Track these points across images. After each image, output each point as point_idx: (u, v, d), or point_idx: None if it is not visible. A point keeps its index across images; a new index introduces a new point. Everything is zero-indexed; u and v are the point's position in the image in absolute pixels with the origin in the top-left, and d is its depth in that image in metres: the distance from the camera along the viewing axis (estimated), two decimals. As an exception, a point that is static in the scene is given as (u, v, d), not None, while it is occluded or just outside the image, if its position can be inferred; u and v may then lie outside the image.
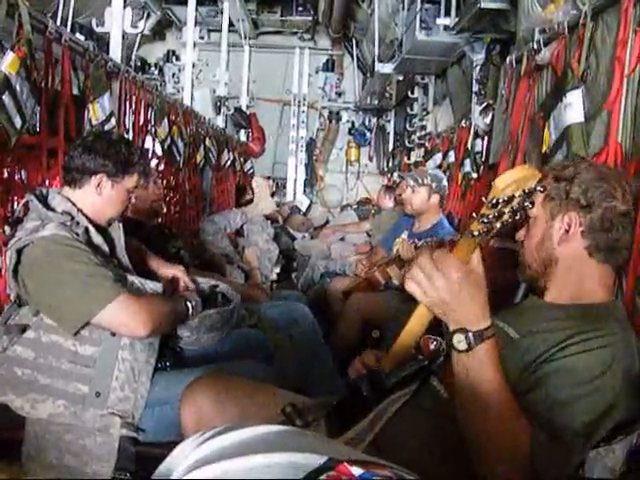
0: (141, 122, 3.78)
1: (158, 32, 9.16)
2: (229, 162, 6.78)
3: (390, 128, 9.31)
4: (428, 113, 6.86)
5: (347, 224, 6.66)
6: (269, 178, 8.76)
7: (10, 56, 2.13)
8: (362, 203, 8.72)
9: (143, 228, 3.05)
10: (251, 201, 6.05)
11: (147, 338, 2.07)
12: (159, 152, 4.32)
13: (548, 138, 2.53)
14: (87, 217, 2.14)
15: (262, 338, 2.71)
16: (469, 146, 4.44)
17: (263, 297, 3.44)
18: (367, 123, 10.36)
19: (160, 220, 4.06)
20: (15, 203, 2.38)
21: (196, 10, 6.72)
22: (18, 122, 2.21)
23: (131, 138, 3.52)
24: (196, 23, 6.83)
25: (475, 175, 4.33)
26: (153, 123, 4.05)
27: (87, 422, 1.98)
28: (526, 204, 1.10)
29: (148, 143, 4.05)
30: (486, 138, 4.07)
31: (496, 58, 4.28)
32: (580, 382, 1.27)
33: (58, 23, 2.79)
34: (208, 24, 8.74)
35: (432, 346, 1.48)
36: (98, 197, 2.19)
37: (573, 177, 1.51)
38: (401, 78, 6.90)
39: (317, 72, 10.30)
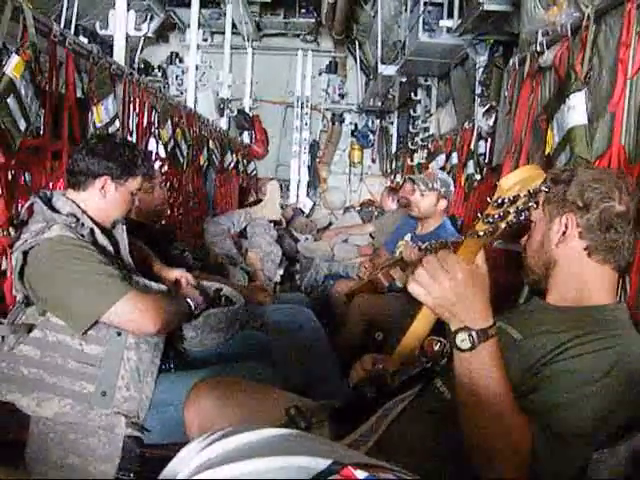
0: (145, 124, 3.79)
1: (161, 35, 9.18)
2: (232, 164, 6.79)
3: (393, 130, 9.30)
4: (431, 115, 6.85)
5: (350, 226, 6.66)
6: (272, 179, 8.77)
7: (15, 59, 2.13)
8: (365, 205, 8.72)
9: (146, 230, 3.05)
10: (259, 201, 6.05)
11: (155, 336, 2.08)
12: (162, 154, 4.33)
13: (551, 140, 2.53)
14: (91, 219, 2.15)
15: (266, 340, 2.71)
16: (472, 148, 4.44)
17: (267, 299, 3.44)
18: (370, 125, 10.37)
19: (164, 222, 4.07)
20: (19, 205, 2.38)
21: (199, 12, 6.72)
22: (22, 125, 2.21)
23: (135, 140, 3.53)
24: (199, 25, 6.84)
25: (478, 177, 4.33)
26: (157, 125, 4.06)
27: (92, 421, 1.99)
28: (531, 204, 1.10)
29: (152, 145, 4.06)
30: (489, 140, 4.07)
31: (499, 60, 4.27)
32: (582, 384, 1.27)
33: (62, 26, 2.79)
34: (211, 26, 8.76)
35: (436, 348, 1.48)
36: (102, 199, 2.20)
37: (570, 179, 1.53)
38: (404, 80, 6.89)
39: (320, 74, 10.31)
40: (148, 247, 2.68)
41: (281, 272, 5.41)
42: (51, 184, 2.59)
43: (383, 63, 6.65)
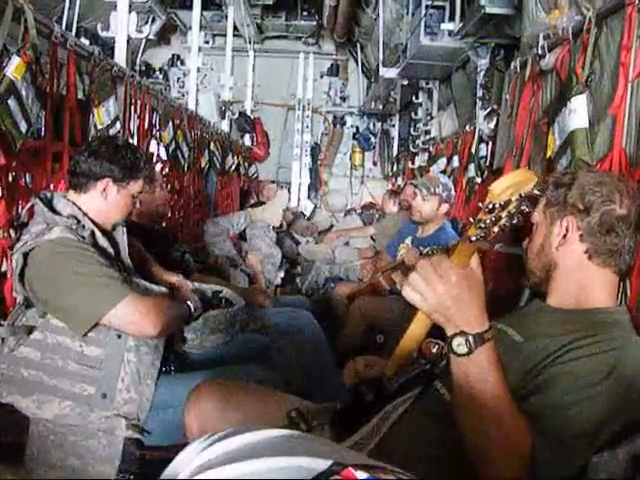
0: (146, 126, 3.79)
1: (163, 37, 9.17)
2: (233, 166, 6.79)
3: (394, 133, 9.29)
4: (432, 118, 6.85)
5: (351, 228, 6.66)
6: (273, 182, 8.76)
7: (16, 61, 2.14)
8: (366, 208, 8.72)
9: (147, 232, 3.05)
10: (260, 204, 6.05)
11: (155, 338, 2.08)
12: (164, 156, 4.34)
13: (552, 143, 2.53)
14: (92, 221, 2.15)
15: (266, 343, 2.71)
16: (473, 151, 4.43)
17: (267, 302, 3.44)
18: (371, 128, 10.35)
19: (164, 224, 4.07)
20: (20, 207, 2.39)
21: (201, 15, 6.72)
22: (23, 126, 2.21)
23: (136, 142, 3.53)
24: (201, 28, 6.85)
25: (479, 180, 4.32)
26: (158, 127, 4.06)
27: (92, 423, 1.99)
28: (523, 208, 1.10)
29: (153, 147, 4.06)
30: (490, 143, 4.06)
31: (500, 63, 4.27)
32: (583, 386, 1.27)
33: (63, 28, 2.79)
34: (213, 29, 8.76)
35: (434, 350, 1.48)
36: (103, 202, 2.20)
37: (571, 182, 1.53)
38: (405, 83, 6.89)
39: (321, 77, 10.30)
40: (148, 249, 2.67)
41: (282, 275, 5.41)
42: (52, 186, 2.59)
43: (384, 66, 6.65)
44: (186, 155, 4.75)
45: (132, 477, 2.02)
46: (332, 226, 8.39)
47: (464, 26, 4.39)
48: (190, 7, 6.55)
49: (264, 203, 6.35)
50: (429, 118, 6.97)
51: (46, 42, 2.47)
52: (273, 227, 5.61)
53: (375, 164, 10.50)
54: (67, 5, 5.08)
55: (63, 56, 2.62)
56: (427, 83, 6.74)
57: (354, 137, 10.49)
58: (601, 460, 1.30)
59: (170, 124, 4.30)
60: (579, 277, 1.53)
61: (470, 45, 4.65)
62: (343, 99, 10.29)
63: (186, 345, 2.39)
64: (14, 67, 2.13)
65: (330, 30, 9.18)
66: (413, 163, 7.42)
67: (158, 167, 4.18)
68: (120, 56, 3.92)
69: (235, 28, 7.86)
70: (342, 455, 0.65)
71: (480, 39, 4.50)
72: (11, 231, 2.22)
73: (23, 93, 2.19)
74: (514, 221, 1.11)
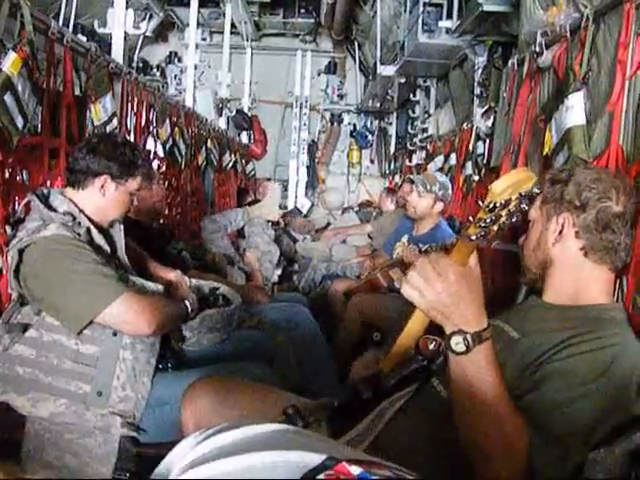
0: (143, 123, 3.78)
1: (160, 34, 9.18)
2: (231, 164, 6.78)
3: (392, 131, 9.29)
4: (430, 116, 6.85)
5: (348, 227, 6.66)
6: (268, 180, 8.76)
7: (12, 56, 2.13)
8: (363, 205, 8.73)
9: (144, 229, 3.05)
10: (255, 202, 6.07)
11: (150, 337, 2.07)
12: (161, 153, 4.33)
13: (550, 140, 2.53)
14: (89, 218, 2.14)
15: (263, 339, 2.71)
16: (471, 149, 4.43)
17: (264, 299, 3.44)
18: (369, 125, 10.36)
19: (161, 221, 4.06)
20: (16, 203, 2.38)
21: (198, 12, 6.72)
22: (20, 122, 2.21)
23: (133, 139, 3.52)
24: (198, 25, 6.85)
25: (477, 178, 4.32)
26: (155, 124, 4.06)
27: (88, 421, 1.98)
28: (523, 206, 1.10)
29: (150, 144, 4.05)
30: (488, 141, 4.07)
31: (498, 61, 4.27)
32: (579, 384, 1.27)
33: (60, 24, 2.79)
34: (210, 26, 8.77)
35: (431, 346, 1.48)
36: (101, 199, 2.19)
37: (568, 179, 1.53)
38: (403, 81, 6.90)
39: (319, 74, 10.31)
40: (144, 246, 2.67)
41: (279, 272, 5.40)
42: (49, 182, 2.58)
43: (382, 64, 6.65)
44: (183, 152, 4.74)
45: (128, 475, 2.01)
46: (329, 224, 8.37)
47: (462, 24, 4.40)
48: (187, 4, 6.54)
49: (260, 201, 6.36)
50: (426, 116, 6.97)
51: (43, 38, 2.46)
52: (272, 223, 5.61)
53: (372, 162, 10.51)
54: (64, 1, 5.06)
55: (60, 52, 2.62)
56: (425, 81, 6.75)
57: (351, 135, 10.50)
58: (598, 457, 1.30)
59: (167, 121, 4.29)
60: (575, 274, 1.52)
61: (468, 43, 4.66)
62: (341, 97, 10.30)
63: (183, 342, 2.39)
64: (10, 62, 2.12)
65: (328, 28, 9.19)
66: (410, 161, 7.43)
67: (155, 164, 4.18)
68: (117, 53, 3.92)
69: (233, 25, 7.85)
70: (336, 450, 0.65)
71: (478, 37, 4.51)
72: (7, 227, 2.21)
73: (19, 89, 2.19)
74: (514, 220, 1.11)
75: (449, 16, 4.76)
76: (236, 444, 0.66)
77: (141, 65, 8.52)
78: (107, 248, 2.18)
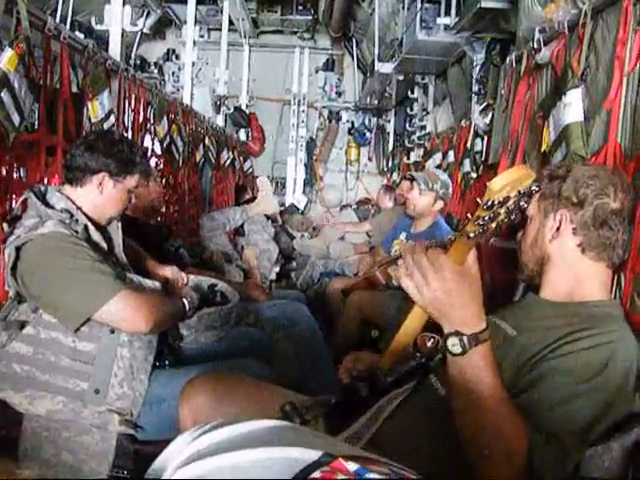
0: (140, 120, 3.78)
1: (158, 31, 9.17)
2: (228, 161, 6.78)
3: (390, 128, 9.28)
4: (428, 113, 6.86)
5: (347, 223, 6.67)
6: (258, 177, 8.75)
7: (8, 53, 2.12)
8: (362, 203, 8.72)
9: (141, 226, 3.04)
10: (253, 199, 6.06)
11: (147, 334, 2.07)
12: (158, 151, 4.32)
13: (547, 137, 2.53)
14: (86, 215, 2.14)
15: (261, 336, 2.71)
16: (469, 146, 4.43)
17: (262, 296, 3.43)
18: (367, 123, 10.35)
19: (159, 218, 4.06)
20: (13, 201, 2.37)
21: (196, 9, 6.71)
22: (16, 119, 2.20)
23: (130, 136, 3.51)
24: (196, 22, 6.82)
25: (475, 175, 4.32)
26: (152, 121, 4.05)
27: (85, 419, 1.98)
28: (521, 204, 1.09)
29: (147, 142, 4.05)
30: (486, 138, 4.07)
31: (496, 58, 4.27)
32: (576, 381, 1.27)
33: (57, 20, 2.78)
34: (208, 23, 8.75)
35: (429, 344, 1.48)
36: (99, 196, 2.18)
37: (566, 175, 1.53)
38: (401, 78, 6.89)
39: (317, 72, 10.29)
40: (141, 244, 2.66)
41: (277, 270, 5.40)
42: (46, 179, 2.58)
43: (380, 61, 6.65)
44: (181, 150, 4.73)
45: (126, 472, 2.01)
46: (327, 221, 8.39)
47: (460, 20, 4.40)
48: (185, 1, 6.52)
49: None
50: (425, 113, 6.97)
51: (40, 35, 2.45)
52: (271, 220, 5.60)
53: (370, 159, 10.50)
54: (61, -2, 5.07)
55: (57, 49, 2.61)
56: (423, 78, 6.75)
57: (349, 132, 10.48)
58: (595, 454, 1.30)
59: (165, 118, 4.28)
60: (572, 270, 1.52)
61: (466, 40, 4.66)
62: (339, 94, 10.28)
63: (180, 341, 2.38)
64: (7, 59, 2.12)
65: (326, 25, 9.18)
66: (408, 158, 7.43)
67: (153, 162, 4.17)
68: (114, 50, 3.91)
69: (230, 22, 7.84)
70: (333, 446, 0.65)
71: (476, 34, 4.51)
72: (4, 225, 2.21)
73: (16, 86, 2.18)
74: (512, 217, 1.10)
75: (447, 13, 4.77)
76: (232, 440, 0.66)
77: (138, 62, 8.52)
78: (104, 245, 2.17)
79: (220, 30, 7.84)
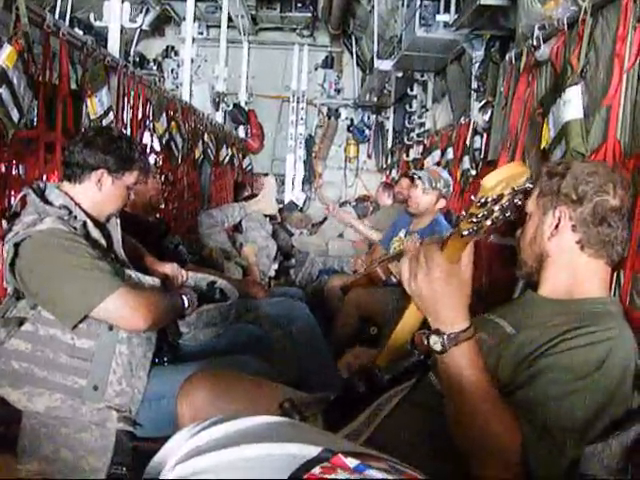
0: (139, 117, 3.77)
1: (157, 27, 9.14)
2: (227, 158, 6.77)
3: (389, 125, 9.26)
4: (427, 110, 6.85)
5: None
6: (266, 175, 8.75)
7: (7, 49, 2.12)
8: (360, 200, 8.71)
9: (140, 223, 3.04)
10: (252, 196, 6.06)
11: (145, 332, 2.07)
12: (157, 147, 4.32)
13: (547, 134, 2.52)
14: (85, 212, 2.14)
15: (260, 334, 2.71)
16: (468, 143, 4.43)
17: (261, 293, 3.44)
18: (366, 120, 10.33)
19: (158, 215, 4.05)
20: (12, 197, 2.37)
21: (195, 6, 6.70)
22: (15, 116, 2.20)
23: (129, 133, 3.51)
24: (195, 19, 6.82)
25: (474, 172, 4.32)
26: (151, 118, 4.04)
27: (84, 416, 1.98)
28: (516, 201, 1.08)
29: (146, 138, 4.04)
30: (485, 135, 4.06)
31: (495, 55, 4.27)
32: (574, 378, 1.27)
33: (57, 17, 2.77)
34: (207, 20, 8.73)
35: (425, 341, 1.48)
36: (98, 193, 2.18)
37: (565, 172, 1.53)
38: (400, 75, 6.88)
39: (316, 69, 10.27)
40: (140, 240, 2.66)
41: (276, 267, 5.40)
42: (45, 176, 2.57)
43: (379, 58, 6.64)
44: (180, 147, 4.72)
45: (125, 469, 2.01)
46: (326, 218, 8.38)
47: (459, 18, 4.39)
48: (184, -2, 6.52)
49: (257, 195, 6.35)
50: (424, 110, 6.96)
51: (38, 31, 2.45)
52: (269, 218, 5.60)
53: (369, 156, 10.48)
54: (60, -5, 5.06)
55: (56, 45, 2.60)
56: (422, 75, 6.74)
57: (348, 129, 10.47)
58: (594, 451, 1.30)
59: (164, 115, 4.27)
60: (571, 268, 1.52)
61: (465, 37, 4.66)
62: (338, 91, 10.26)
63: (179, 337, 2.38)
64: (5, 55, 2.11)
65: (325, 22, 9.17)
66: (407, 155, 7.42)
67: (152, 158, 4.17)
68: (113, 46, 3.90)
69: (230, 19, 7.82)
70: (332, 442, 0.65)
71: (475, 31, 4.51)
72: (3, 221, 2.21)
73: (15, 82, 2.17)
74: (507, 215, 1.09)
75: (446, 10, 4.76)
76: (231, 436, 0.66)
77: (138, 59, 8.49)
78: (103, 242, 2.17)
79: (219, 27, 7.82)
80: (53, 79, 2.62)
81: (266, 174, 8.10)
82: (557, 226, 1.53)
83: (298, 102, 9.93)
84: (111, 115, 3.08)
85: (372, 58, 7.04)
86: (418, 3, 4.91)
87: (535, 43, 2.79)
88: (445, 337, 1.18)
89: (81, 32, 4.28)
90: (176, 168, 4.95)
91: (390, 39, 6.62)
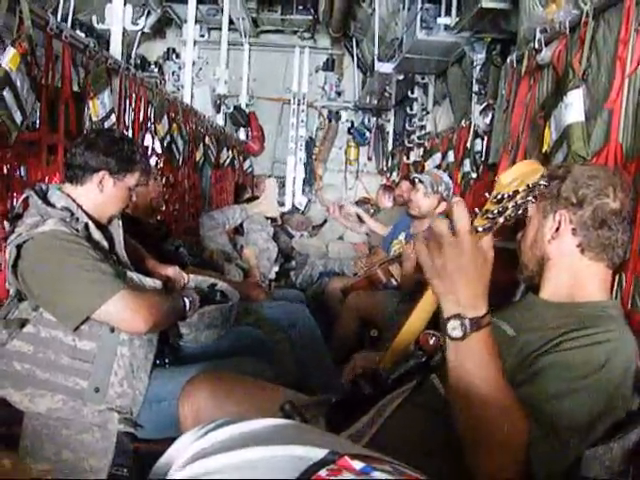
0: (141, 119, 3.77)
1: (158, 30, 9.15)
2: (228, 160, 6.77)
3: (389, 128, 9.26)
4: (428, 113, 6.85)
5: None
6: (269, 177, 8.75)
7: (11, 52, 2.12)
8: (361, 202, 8.71)
9: (141, 226, 3.04)
10: (255, 198, 6.06)
11: (146, 334, 2.07)
12: (158, 149, 4.32)
13: (549, 137, 2.53)
14: (87, 214, 2.14)
15: (261, 336, 2.71)
16: (469, 146, 4.43)
17: (262, 296, 3.44)
18: (366, 122, 10.32)
19: (159, 218, 4.06)
20: (15, 199, 2.37)
21: (196, 8, 6.70)
22: (18, 118, 2.20)
23: (131, 135, 3.51)
24: (196, 21, 6.81)
25: (475, 175, 4.33)
26: (153, 120, 4.05)
27: (85, 417, 1.99)
28: (529, 198, 1.09)
29: (148, 140, 4.04)
30: (486, 138, 4.07)
31: (496, 58, 4.27)
32: (575, 377, 1.27)
33: (59, 19, 2.78)
34: (208, 22, 8.72)
35: (431, 342, 1.48)
36: (100, 194, 2.18)
37: (565, 175, 1.53)
38: (401, 78, 6.88)
39: (317, 71, 10.26)
40: (140, 242, 2.66)
41: (276, 269, 5.40)
42: (47, 178, 2.58)
43: (380, 60, 6.64)
44: (181, 149, 4.73)
45: (126, 470, 2.01)
46: (326, 221, 8.38)
47: (460, 20, 4.39)
48: (185, 0, 6.51)
49: (258, 197, 6.34)
50: (424, 113, 6.96)
51: (41, 34, 2.46)
52: (270, 220, 5.60)
53: (370, 159, 10.48)
54: (63, -3, 5.05)
55: (58, 48, 2.61)
56: (423, 78, 6.74)
57: (349, 132, 10.46)
58: (596, 454, 1.30)
59: (165, 117, 4.28)
60: (572, 271, 1.53)
61: (466, 40, 4.66)
62: (338, 94, 10.25)
63: (180, 339, 2.39)
64: (9, 58, 2.12)
65: (326, 24, 9.17)
66: (408, 158, 7.42)
67: (153, 160, 4.17)
68: (115, 48, 3.91)
69: (231, 22, 7.82)
70: (338, 444, 0.65)
71: (476, 34, 4.51)
72: (5, 223, 2.21)
73: (18, 84, 2.18)
74: (520, 212, 1.10)
75: (447, 13, 4.75)
76: (237, 438, 0.66)
77: (139, 61, 8.49)
78: (105, 244, 2.17)
79: (220, 29, 7.82)
80: (55, 81, 2.63)
81: (269, 176, 8.10)
82: (557, 229, 1.53)
83: (299, 104, 9.91)
84: (113, 117, 3.08)
85: (373, 61, 7.04)
86: (419, 6, 4.91)
87: (537, 46, 2.79)
88: (467, 321, 1.13)
89: (83, 35, 4.28)
90: (177, 170, 4.95)
91: (391, 42, 6.62)
